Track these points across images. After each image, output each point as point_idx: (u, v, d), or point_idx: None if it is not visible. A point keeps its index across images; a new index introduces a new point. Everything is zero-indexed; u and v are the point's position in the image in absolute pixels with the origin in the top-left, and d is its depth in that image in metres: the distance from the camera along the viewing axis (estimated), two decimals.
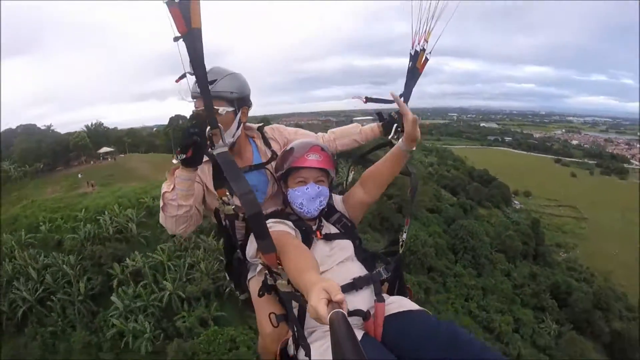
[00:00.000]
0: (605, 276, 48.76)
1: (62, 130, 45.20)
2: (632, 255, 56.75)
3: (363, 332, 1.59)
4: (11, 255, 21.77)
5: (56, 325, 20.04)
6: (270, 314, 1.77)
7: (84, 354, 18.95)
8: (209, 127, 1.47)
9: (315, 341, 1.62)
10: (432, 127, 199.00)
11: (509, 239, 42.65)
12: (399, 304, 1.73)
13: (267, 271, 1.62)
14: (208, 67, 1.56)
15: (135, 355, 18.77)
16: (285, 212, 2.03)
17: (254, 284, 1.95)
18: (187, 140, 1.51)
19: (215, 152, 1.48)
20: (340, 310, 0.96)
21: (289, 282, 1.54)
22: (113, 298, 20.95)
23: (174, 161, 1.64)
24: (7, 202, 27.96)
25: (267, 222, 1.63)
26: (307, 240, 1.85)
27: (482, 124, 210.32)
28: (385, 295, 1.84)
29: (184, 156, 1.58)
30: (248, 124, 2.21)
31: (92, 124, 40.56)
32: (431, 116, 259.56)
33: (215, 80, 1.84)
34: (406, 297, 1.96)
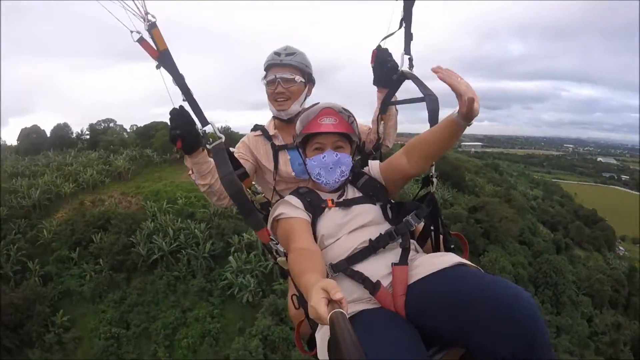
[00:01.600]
0: None
1: None
2: None
3: (376, 306, 1.41)
4: (153, 217, 29.23)
5: (180, 272, 26.59)
6: (292, 295, 1.78)
7: (197, 295, 25.09)
8: (201, 126, 1.57)
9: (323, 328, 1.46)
10: (544, 158, 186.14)
11: (598, 282, 40.77)
12: (432, 262, 1.43)
13: (265, 249, 1.64)
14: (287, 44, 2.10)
15: (238, 304, 24.53)
16: (299, 187, 1.90)
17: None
18: (171, 136, 1.61)
19: (210, 147, 1.58)
20: (340, 309, 0.92)
21: (287, 257, 1.55)
22: (230, 258, 26.85)
23: (178, 151, 1.78)
24: (150, 179, 36.55)
25: (277, 204, 1.74)
26: (314, 211, 1.69)
27: (599, 159, 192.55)
28: (419, 255, 1.59)
29: (176, 147, 1.69)
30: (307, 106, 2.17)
31: (221, 127, 48.96)
32: (545, 146, 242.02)
33: (294, 53, 2.03)
34: (457, 251, 1.70)
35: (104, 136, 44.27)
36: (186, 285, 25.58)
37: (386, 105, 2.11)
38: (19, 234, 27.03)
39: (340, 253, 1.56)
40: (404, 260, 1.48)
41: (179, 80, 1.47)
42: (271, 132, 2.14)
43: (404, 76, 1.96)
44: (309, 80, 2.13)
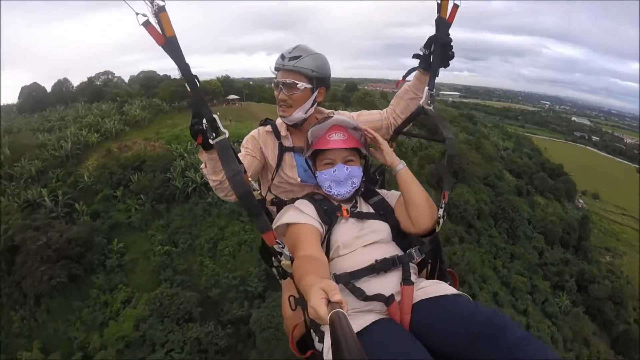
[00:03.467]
0: None
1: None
2: None
3: (385, 316, 1.56)
4: (181, 157, 33.52)
5: (213, 199, 30.68)
6: (289, 296, 1.77)
7: (229, 216, 29.88)
8: (205, 121, 1.57)
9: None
10: (520, 112, 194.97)
11: (551, 223, 49.18)
12: (433, 288, 1.64)
13: (271, 251, 1.66)
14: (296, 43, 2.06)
15: None
16: (314, 192, 2.04)
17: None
18: (193, 130, 1.63)
19: (214, 142, 1.57)
20: (341, 310, 0.97)
21: (292, 262, 1.61)
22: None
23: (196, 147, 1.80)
24: (165, 125, 40.51)
25: (287, 208, 1.91)
26: (330, 220, 1.83)
27: (573, 118, 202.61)
28: (420, 279, 1.81)
29: (196, 143, 1.74)
30: (321, 108, 2.29)
31: (222, 76, 52.92)
32: (522, 101, 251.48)
33: (299, 57, 2.00)
34: (448, 282, 1.86)
35: (107, 88, 47.76)
36: (219, 209, 30.62)
37: (398, 134, 2.29)
38: (59, 181, 31.32)
39: (354, 265, 1.71)
40: (408, 282, 1.63)
41: (185, 70, 1.46)
42: (283, 132, 2.20)
43: (424, 112, 2.05)
44: (319, 85, 2.09)
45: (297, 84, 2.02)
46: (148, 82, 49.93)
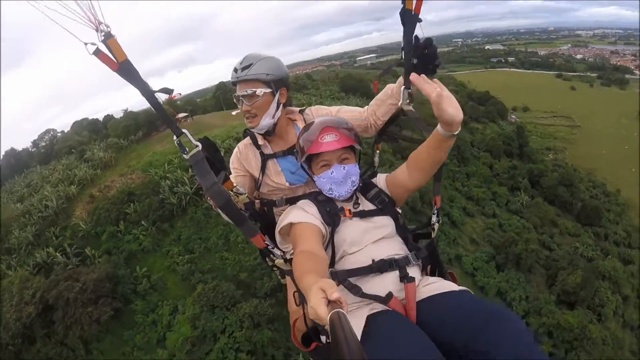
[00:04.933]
0: (588, 171, 63.79)
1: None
2: (618, 154, 71.51)
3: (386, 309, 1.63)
4: (165, 177, 35.79)
5: (207, 210, 32.99)
6: (294, 292, 1.96)
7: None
8: (175, 137, 1.62)
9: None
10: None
11: (492, 139, 57.03)
12: (438, 285, 1.72)
13: (263, 253, 1.78)
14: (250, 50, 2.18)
15: None
16: (316, 191, 2.08)
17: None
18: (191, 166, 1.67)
19: (188, 156, 1.63)
20: (341, 310, 0.99)
21: (285, 260, 1.78)
22: None
23: None
24: (132, 158, 42.23)
25: (290, 209, 1.98)
26: (333, 221, 1.89)
27: (487, 47, 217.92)
28: (426, 277, 1.90)
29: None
30: (290, 107, 2.39)
31: (166, 98, 55.24)
32: (435, 45, 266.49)
33: (250, 65, 2.09)
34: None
35: (59, 146, 48.79)
36: (215, 219, 33.46)
37: (381, 136, 2.36)
38: (58, 238, 33.06)
39: (365, 260, 1.78)
40: (409, 279, 1.70)
41: (144, 90, 1.48)
42: (260, 142, 2.31)
43: (403, 113, 2.09)
44: (279, 86, 2.17)
45: (256, 91, 2.10)
46: (94, 127, 51.50)
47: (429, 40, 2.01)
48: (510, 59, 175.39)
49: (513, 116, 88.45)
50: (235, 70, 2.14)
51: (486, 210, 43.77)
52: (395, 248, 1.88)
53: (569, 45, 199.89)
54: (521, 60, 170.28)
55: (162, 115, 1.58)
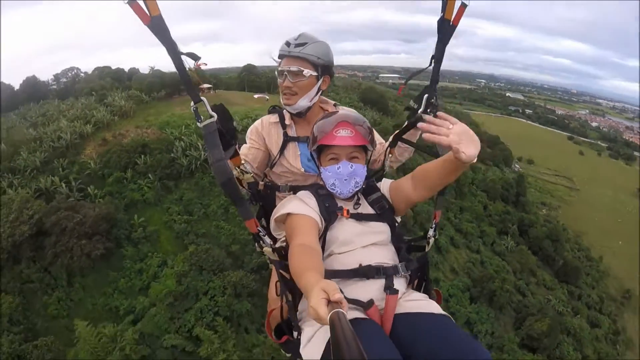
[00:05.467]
0: (577, 233, 65.80)
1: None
2: (609, 223, 73.51)
3: (363, 316, 1.61)
4: (180, 139, 37.33)
5: (213, 178, 35.63)
6: (276, 282, 1.93)
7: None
8: (192, 103, 1.63)
9: (309, 322, 1.70)
10: (457, 91, 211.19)
11: (492, 181, 58.80)
12: (422, 303, 1.73)
13: (253, 238, 1.78)
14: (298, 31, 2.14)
15: None
16: (318, 184, 2.11)
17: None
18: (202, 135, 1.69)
19: (201, 125, 1.64)
20: (341, 310, 1.01)
21: (274, 250, 1.81)
22: None
23: None
24: (151, 114, 43.77)
25: (290, 198, 2.01)
26: (329, 217, 1.90)
27: (507, 94, 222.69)
28: (411, 291, 1.91)
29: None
30: (325, 98, 2.42)
31: (194, 66, 56.85)
32: (458, 80, 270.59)
33: (305, 44, 2.11)
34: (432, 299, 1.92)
35: (81, 84, 50.04)
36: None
37: (397, 141, 2.34)
38: (65, 170, 34.35)
39: (352, 262, 1.78)
40: (393, 291, 1.68)
41: (172, 50, 1.48)
42: (287, 121, 2.32)
43: (422, 121, 1.90)
44: (324, 73, 2.21)
45: (303, 71, 2.12)
46: (118, 76, 52.87)
47: (435, 107, 2.15)
48: (528, 111, 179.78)
49: (517, 165, 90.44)
50: (288, 44, 2.16)
51: (472, 245, 45.48)
52: (385, 256, 1.88)
53: (587, 111, 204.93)
54: (538, 114, 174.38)
55: (184, 79, 1.58)
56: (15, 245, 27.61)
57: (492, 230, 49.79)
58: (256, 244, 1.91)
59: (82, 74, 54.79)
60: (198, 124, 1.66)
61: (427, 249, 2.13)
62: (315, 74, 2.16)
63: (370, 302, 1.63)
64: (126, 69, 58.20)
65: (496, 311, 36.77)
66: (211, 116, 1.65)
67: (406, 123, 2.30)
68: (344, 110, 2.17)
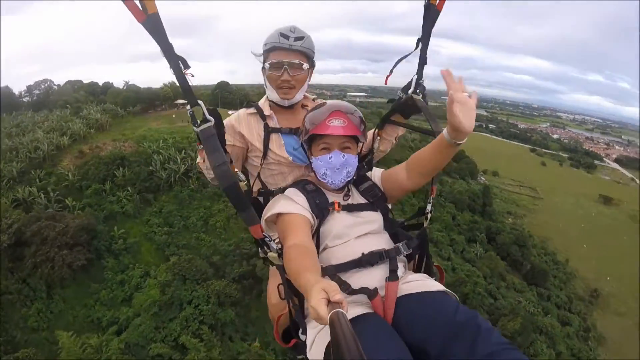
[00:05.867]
0: (542, 239, 69.36)
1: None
2: (573, 229, 77.26)
3: (369, 310, 1.63)
4: (158, 152, 37.79)
5: (194, 185, 35.98)
6: (278, 285, 1.93)
7: (212, 199, 35.16)
8: (189, 106, 1.59)
9: (312, 324, 1.71)
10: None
11: (459, 193, 61.75)
12: (419, 283, 1.74)
13: (257, 243, 1.75)
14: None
15: None
16: (305, 180, 2.10)
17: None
18: (201, 140, 1.68)
19: (199, 129, 1.60)
20: (341, 310, 1.02)
21: (279, 255, 1.73)
22: None
23: (199, 147, 1.85)
24: (126, 128, 44.12)
25: (278, 197, 2.01)
26: (322, 214, 1.89)
27: None
28: (408, 273, 1.92)
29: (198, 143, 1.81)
30: (306, 93, 2.40)
31: (169, 83, 57.10)
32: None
33: (303, 37, 2.10)
34: (434, 277, 1.96)
35: (54, 97, 49.65)
36: (201, 193, 36.19)
37: (385, 123, 2.36)
38: (42, 181, 34.30)
39: (346, 255, 1.80)
40: (393, 276, 1.71)
41: (168, 51, 1.43)
42: (266, 112, 2.26)
43: (412, 102, 2.12)
44: (312, 66, 2.23)
45: (303, 64, 2.12)
46: (91, 90, 52.86)
47: (419, 101, 2.16)
48: (491, 126, 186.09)
49: (482, 178, 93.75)
50: (286, 37, 2.10)
51: (442, 253, 47.56)
52: (381, 243, 1.89)
53: (548, 124, 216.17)
54: (501, 129, 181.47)
55: (180, 81, 1.52)
56: None
57: (461, 239, 52.20)
58: (260, 250, 1.88)
59: (55, 87, 54.32)
60: (194, 128, 1.64)
61: (425, 225, 2.14)
62: (309, 67, 2.18)
63: (375, 291, 1.65)
64: (100, 83, 58.03)
65: None
66: (208, 120, 1.62)
67: (394, 104, 2.33)
68: (336, 101, 2.10)
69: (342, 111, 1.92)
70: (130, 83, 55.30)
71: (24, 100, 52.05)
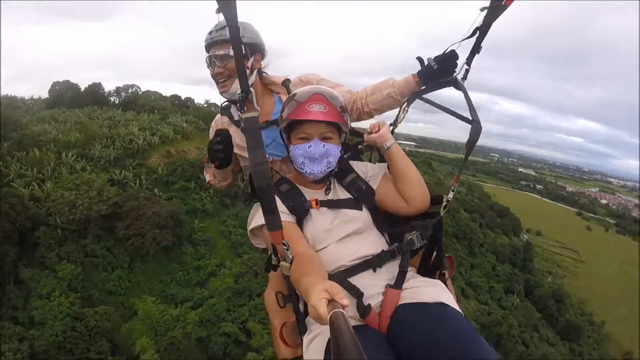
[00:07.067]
0: (580, 301, 70.80)
1: None
2: (613, 295, 78.42)
3: (361, 322, 1.67)
4: None
5: None
6: (277, 293, 1.95)
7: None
8: (239, 91, 1.56)
9: (317, 331, 1.71)
10: (471, 163, 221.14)
11: (501, 245, 64.72)
12: (417, 290, 1.74)
13: (271, 249, 1.72)
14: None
15: None
16: (280, 178, 2.08)
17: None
18: (212, 156, 1.88)
19: (244, 116, 1.54)
20: (341, 310, 1.03)
21: (291, 264, 1.66)
22: None
23: (208, 164, 2.07)
24: (206, 140, 50.08)
25: (257, 207, 2.08)
26: (299, 215, 1.90)
27: (519, 169, 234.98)
28: (409, 274, 1.85)
29: (213, 165, 2.01)
30: (273, 77, 2.43)
31: (206, 102, 62.78)
32: (473, 153, 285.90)
33: (224, 27, 2.07)
34: (443, 270, 1.99)
35: (142, 101, 57.38)
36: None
37: (416, 98, 2.28)
38: (134, 169, 40.08)
39: (329, 261, 1.80)
40: (399, 283, 1.72)
41: (235, 33, 1.42)
42: (235, 116, 2.35)
43: (455, 85, 2.08)
44: (254, 52, 2.23)
45: (229, 51, 2.13)
46: (175, 100, 61.08)
47: (454, 54, 2.07)
48: (539, 187, 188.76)
49: (525, 235, 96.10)
50: (210, 32, 2.18)
51: (481, 297, 50.88)
52: (366, 246, 1.88)
53: (597, 189, 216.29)
54: (548, 190, 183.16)
55: (239, 64, 1.50)
56: (87, 220, 31.48)
57: (499, 287, 55.40)
58: (274, 257, 1.77)
59: (140, 92, 62.31)
60: (239, 114, 1.79)
61: (442, 213, 2.01)
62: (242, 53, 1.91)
63: (368, 308, 1.69)
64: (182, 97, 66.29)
65: (502, 356, 41.79)
66: (256, 109, 1.55)
67: (433, 83, 2.22)
68: (316, 85, 1.99)
69: (324, 96, 1.88)
70: (210, 102, 62.52)
71: (111, 99, 60.02)
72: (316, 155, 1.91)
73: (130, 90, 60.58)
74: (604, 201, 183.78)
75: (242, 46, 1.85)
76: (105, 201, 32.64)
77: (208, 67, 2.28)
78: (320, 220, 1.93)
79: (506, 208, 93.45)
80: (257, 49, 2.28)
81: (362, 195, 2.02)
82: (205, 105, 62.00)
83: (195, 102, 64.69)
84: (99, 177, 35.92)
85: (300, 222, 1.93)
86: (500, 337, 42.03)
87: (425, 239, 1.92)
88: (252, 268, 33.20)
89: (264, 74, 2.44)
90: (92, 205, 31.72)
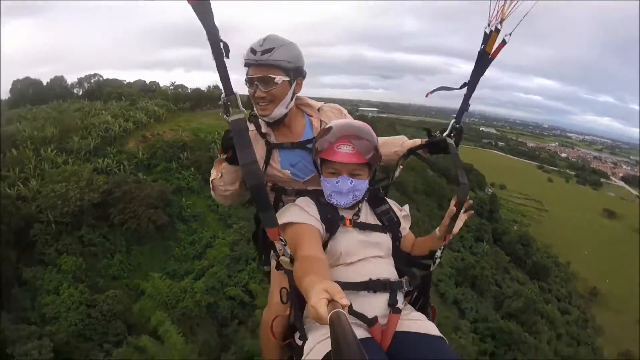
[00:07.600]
0: (546, 245, 77.17)
1: None
2: (576, 239, 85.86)
3: (367, 334, 1.78)
4: (215, 142, 42.86)
5: None
6: (281, 288, 2.04)
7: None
8: (223, 94, 1.61)
9: (315, 329, 1.85)
10: (434, 125, 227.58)
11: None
12: (419, 324, 1.92)
13: (271, 246, 1.82)
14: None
15: None
16: (319, 190, 2.21)
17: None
18: (226, 143, 1.90)
19: (230, 119, 1.61)
20: (341, 310, 1.05)
21: (292, 260, 1.78)
22: None
23: (221, 156, 2.05)
24: (180, 121, 50.28)
25: (290, 206, 2.14)
26: (332, 228, 2.02)
27: (481, 128, 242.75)
28: (408, 308, 2.10)
29: (225, 156, 2.00)
30: (308, 100, 2.53)
31: (213, 86, 64.62)
32: (435, 115, 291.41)
33: (272, 49, 2.09)
34: (428, 317, 2.11)
35: (108, 89, 57.77)
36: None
37: (410, 155, 2.53)
38: (115, 157, 40.73)
39: (352, 276, 1.93)
40: (396, 309, 1.88)
41: (212, 34, 1.46)
42: (264, 129, 2.38)
43: (444, 145, 2.33)
44: (297, 76, 2.26)
45: (275, 78, 2.14)
46: (142, 87, 61.69)
47: (451, 146, 2.37)
48: (500, 144, 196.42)
49: (490, 190, 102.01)
50: (254, 52, 2.15)
51: (453, 247, 54.87)
52: (388, 270, 2.06)
53: (557, 143, 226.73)
54: (510, 147, 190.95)
55: (219, 67, 1.55)
56: (80, 210, 32.20)
57: (469, 236, 60.30)
58: (272, 252, 1.91)
59: (102, 80, 62.34)
60: (225, 117, 1.69)
61: (432, 268, 2.27)
62: (287, 79, 2.19)
63: (375, 319, 1.81)
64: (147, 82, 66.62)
65: (478, 295, 46.66)
66: (242, 112, 1.63)
67: (424, 141, 2.51)
68: (346, 122, 2.17)
69: (351, 137, 2.00)
70: (177, 84, 63.37)
71: (74, 90, 60.10)
72: (343, 190, 2.05)
73: (92, 80, 60.55)
74: (563, 155, 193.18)
75: (288, 70, 2.19)
76: (96, 189, 33.68)
77: (246, 84, 2.28)
78: (353, 237, 2.08)
79: (470, 165, 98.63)
80: (299, 74, 2.32)
81: (391, 225, 2.23)
82: (172, 87, 62.72)
83: (161, 85, 65.09)
84: (84, 167, 36.96)
85: (331, 235, 2.06)
86: (475, 278, 46.66)
87: (412, 287, 2.12)
88: (245, 235, 35.88)
89: (297, 96, 2.45)
90: (84, 195, 32.62)
